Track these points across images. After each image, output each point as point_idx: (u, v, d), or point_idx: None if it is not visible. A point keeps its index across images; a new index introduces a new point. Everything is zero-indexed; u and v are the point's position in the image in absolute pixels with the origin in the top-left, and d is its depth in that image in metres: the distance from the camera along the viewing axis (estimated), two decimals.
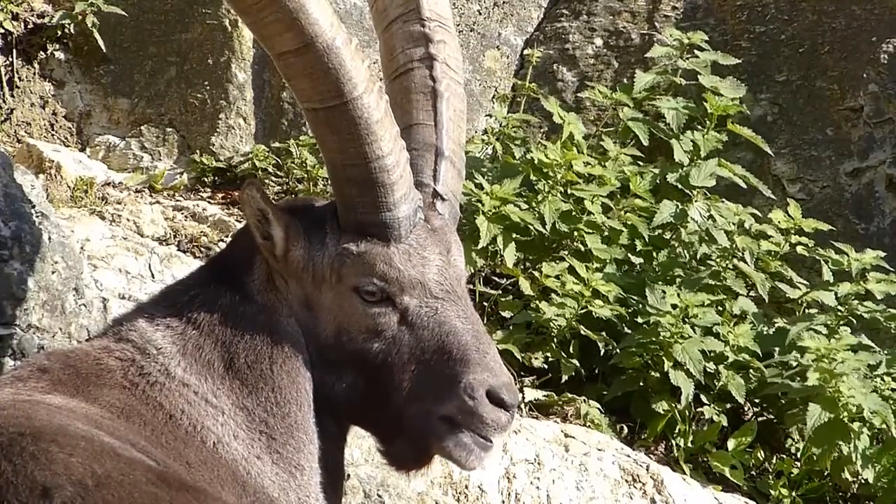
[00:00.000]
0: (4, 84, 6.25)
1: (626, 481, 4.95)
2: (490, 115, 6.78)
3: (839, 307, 5.74)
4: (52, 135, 6.37)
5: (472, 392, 3.24)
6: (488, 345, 3.29)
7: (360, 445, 4.49)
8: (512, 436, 4.82)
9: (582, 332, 5.61)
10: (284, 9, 3.07)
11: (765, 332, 5.80)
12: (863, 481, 5.52)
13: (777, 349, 5.76)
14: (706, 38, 6.35)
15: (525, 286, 5.77)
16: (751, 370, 5.67)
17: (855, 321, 5.77)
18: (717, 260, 5.85)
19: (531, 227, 5.77)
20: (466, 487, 4.70)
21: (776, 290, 5.97)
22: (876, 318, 5.72)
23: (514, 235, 5.76)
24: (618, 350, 5.60)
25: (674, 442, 5.57)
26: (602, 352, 5.63)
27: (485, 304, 5.86)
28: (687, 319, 5.51)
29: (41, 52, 6.36)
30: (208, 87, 6.45)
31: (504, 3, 7.09)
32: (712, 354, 5.56)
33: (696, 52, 6.35)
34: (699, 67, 6.28)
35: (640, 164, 6.18)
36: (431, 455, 3.34)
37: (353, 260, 3.28)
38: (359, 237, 3.29)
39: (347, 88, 3.14)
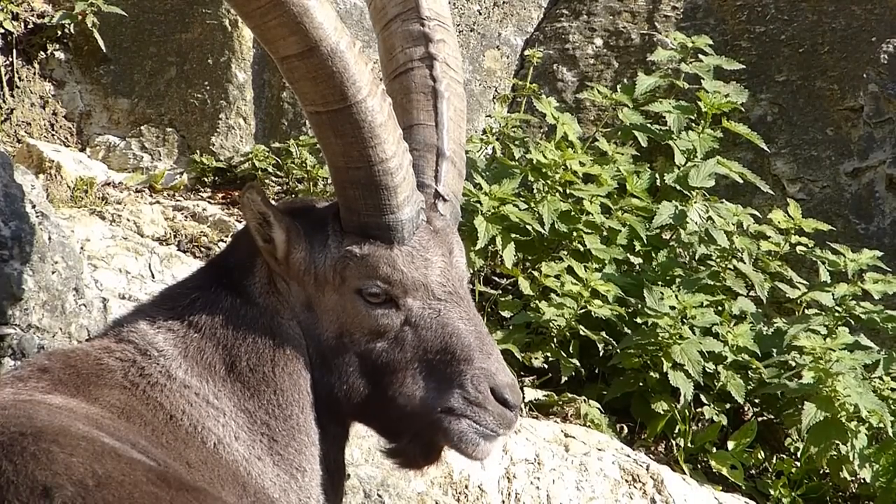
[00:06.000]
0: (4, 84, 6.25)
1: (626, 481, 4.96)
2: (490, 116, 6.78)
3: (836, 308, 5.74)
4: (52, 135, 6.37)
5: (478, 385, 3.25)
6: (491, 346, 3.30)
7: (360, 445, 4.50)
8: (512, 436, 4.82)
9: (581, 332, 5.61)
10: (289, 13, 3.07)
11: (764, 333, 5.80)
12: (862, 481, 5.52)
13: (775, 349, 5.77)
14: (710, 43, 6.36)
15: (525, 286, 5.77)
16: (750, 370, 5.67)
17: (853, 322, 5.77)
18: (717, 260, 5.85)
19: (530, 228, 5.77)
20: (466, 487, 4.70)
21: (776, 290, 5.97)
22: (873, 319, 5.72)
23: (512, 235, 5.76)
24: (617, 350, 5.60)
25: (674, 442, 5.58)
26: (602, 352, 5.64)
27: (484, 304, 5.86)
28: (685, 320, 5.52)
29: (41, 52, 6.36)
30: (208, 87, 6.46)
31: (504, 3, 7.09)
32: (711, 355, 5.56)
33: (699, 55, 6.36)
34: (702, 72, 6.28)
35: (637, 164, 6.18)
36: (440, 450, 3.35)
37: (356, 262, 3.28)
38: (361, 239, 3.28)
39: (351, 92, 3.14)
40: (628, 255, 5.93)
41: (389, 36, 3.55)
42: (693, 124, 6.20)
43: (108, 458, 2.76)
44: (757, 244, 5.91)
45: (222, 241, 5.74)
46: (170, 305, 3.35)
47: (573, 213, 5.87)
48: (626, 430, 5.60)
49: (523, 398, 5.45)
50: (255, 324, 3.30)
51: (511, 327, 5.78)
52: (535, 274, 5.82)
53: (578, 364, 5.62)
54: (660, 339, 5.47)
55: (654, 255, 5.96)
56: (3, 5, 6.23)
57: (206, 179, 6.44)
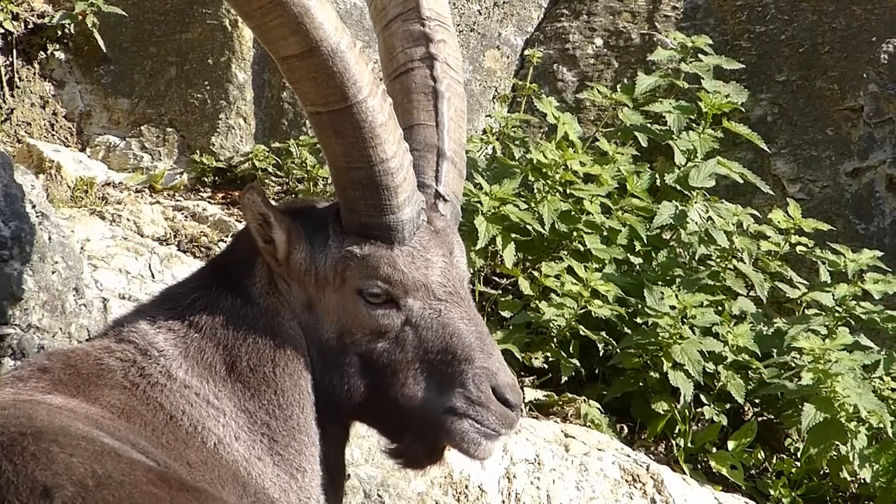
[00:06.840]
0: (4, 84, 6.25)
1: (626, 481, 4.96)
2: (490, 116, 6.78)
3: (837, 308, 5.74)
4: (52, 135, 6.37)
5: (479, 384, 3.25)
6: (492, 346, 3.30)
7: (360, 445, 4.50)
8: (512, 436, 4.82)
9: (581, 332, 5.61)
10: (289, 13, 3.07)
11: (764, 333, 5.80)
12: (862, 481, 5.52)
13: (775, 350, 5.77)
14: (710, 42, 6.36)
15: (525, 286, 5.78)
16: (750, 370, 5.67)
17: (853, 322, 5.77)
18: (717, 260, 5.85)
19: (530, 228, 5.77)
20: (466, 487, 4.70)
21: (776, 290, 5.97)
22: (873, 319, 5.72)
23: (512, 236, 5.76)
24: (617, 350, 5.60)
25: (674, 442, 5.58)
26: (602, 352, 5.64)
27: (484, 304, 5.86)
28: (685, 320, 5.51)
29: (41, 52, 6.36)
30: (208, 87, 6.46)
31: (504, 3, 7.09)
32: (711, 355, 5.56)
33: (699, 55, 6.36)
34: (702, 71, 6.29)
35: (637, 164, 6.18)
36: (442, 449, 3.35)
37: (356, 262, 3.28)
38: (362, 239, 3.29)
39: (352, 92, 3.14)
40: (628, 255, 5.93)
41: (390, 36, 3.55)
42: (693, 124, 6.20)
43: (109, 459, 2.77)
44: (757, 244, 5.91)
45: (222, 241, 5.74)
46: (170, 305, 3.35)
47: (573, 213, 5.87)
48: (626, 430, 5.60)
49: (523, 398, 5.45)
50: (256, 324, 3.30)
51: (511, 327, 5.78)
52: (535, 274, 5.82)
53: (578, 364, 5.62)
54: (660, 339, 5.47)
55: (654, 255, 5.96)
56: (3, 5, 6.22)
57: (206, 179, 6.44)
